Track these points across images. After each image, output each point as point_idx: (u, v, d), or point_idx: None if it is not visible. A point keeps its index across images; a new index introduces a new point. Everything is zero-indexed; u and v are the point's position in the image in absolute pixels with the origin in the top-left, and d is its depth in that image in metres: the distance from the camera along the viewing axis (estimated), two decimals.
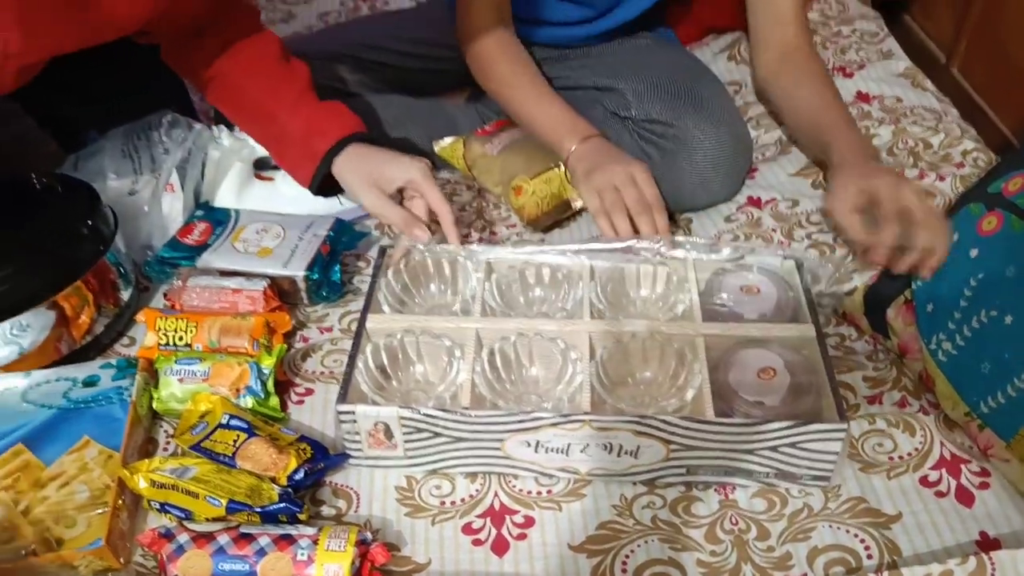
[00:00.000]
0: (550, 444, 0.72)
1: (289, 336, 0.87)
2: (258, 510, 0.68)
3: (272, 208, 0.98)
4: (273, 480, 0.70)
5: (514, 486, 0.74)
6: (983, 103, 1.15)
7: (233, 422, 0.74)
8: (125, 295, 0.90)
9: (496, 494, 0.73)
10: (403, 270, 0.85)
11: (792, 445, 0.69)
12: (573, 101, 1.01)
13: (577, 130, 0.95)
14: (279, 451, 0.71)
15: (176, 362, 0.80)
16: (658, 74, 1.01)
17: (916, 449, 0.75)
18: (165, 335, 0.83)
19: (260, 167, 1.04)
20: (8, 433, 0.74)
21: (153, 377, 0.81)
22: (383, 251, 0.87)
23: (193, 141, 0.95)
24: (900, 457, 0.74)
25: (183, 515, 0.69)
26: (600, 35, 1.11)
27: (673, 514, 0.71)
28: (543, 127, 0.98)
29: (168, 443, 0.79)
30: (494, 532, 0.71)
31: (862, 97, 1.13)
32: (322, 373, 0.85)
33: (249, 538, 0.65)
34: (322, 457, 0.73)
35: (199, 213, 0.96)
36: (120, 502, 0.70)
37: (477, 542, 0.70)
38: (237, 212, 0.96)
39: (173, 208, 0.96)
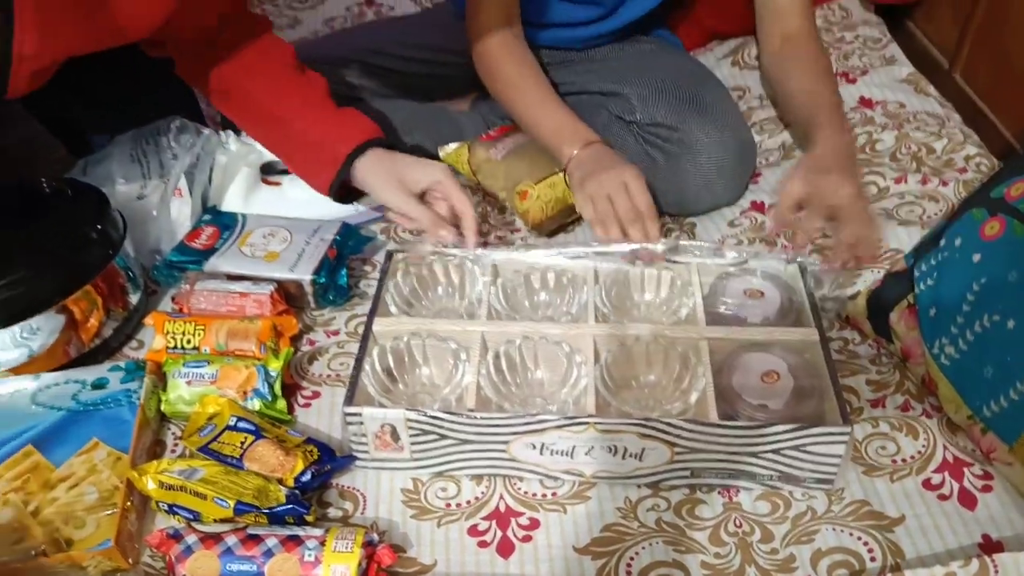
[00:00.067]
0: (555, 446, 0.72)
1: (296, 340, 0.88)
2: (265, 511, 0.68)
3: (279, 212, 0.99)
4: (280, 482, 0.71)
5: (519, 488, 0.74)
6: (986, 108, 1.15)
7: (241, 424, 0.75)
8: (133, 299, 0.90)
9: (501, 496, 0.74)
10: (411, 273, 0.86)
11: (796, 448, 0.70)
12: (578, 106, 1.01)
13: (578, 136, 0.96)
14: (286, 453, 0.72)
15: (184, 365, 0.80)
16: (663, 79, 1.02)
17: (919, 452, 0.75)
18: (173, 338, 0.83)
19: (267, 172, 1.05)
20: (18, 435, 0.75)
21: (161, 380, 0.82)
22: (389, 255, 0.87)
23: (201, 146, 0.96)
24: (903, 460, 0.75)
25: (191, 516, 0.70)
26: (605, 36, 1.12)
27: (677, 517, 0.72)
28: (545, 132, 0.98)
29: (176, 445, 0.80)
30: (499, 534, 0.71)
31: (865, 103, 1.14)
32: (328, 376, 0.86)
33: (257, 539, 0.66)
34: (329, 459, 0.74)
35: (207, 218, 0.97)
36: (128, 503, 0.71)
37: (483, 544, 0.70)
38: (244, 216, 0.97)
39: (181, 213, 0.96)
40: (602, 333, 0.79)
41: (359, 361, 0.76)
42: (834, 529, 0.70)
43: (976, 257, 0.73)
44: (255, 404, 0.79)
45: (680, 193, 0.97)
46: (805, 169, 0.89)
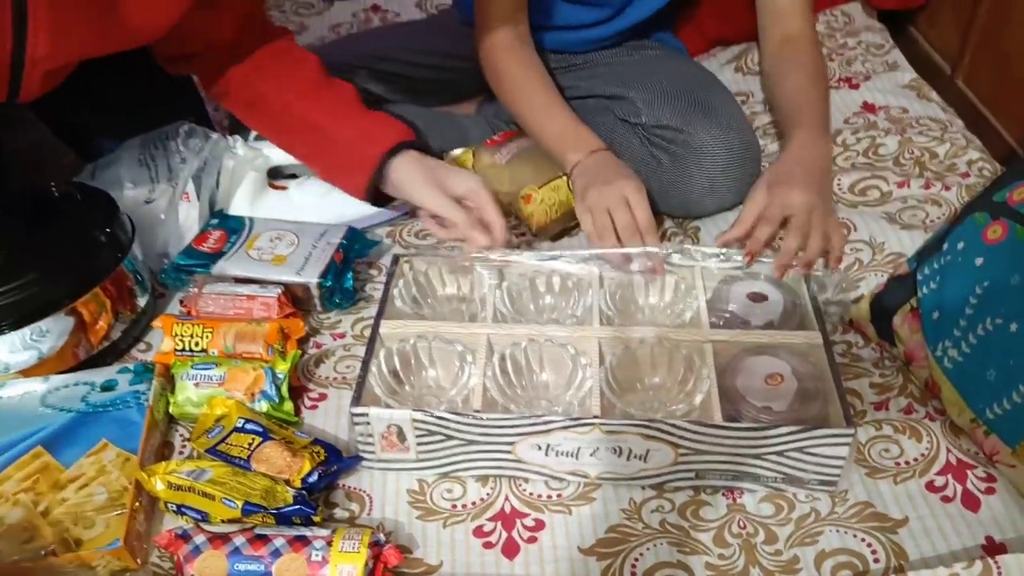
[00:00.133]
0: (560, 448, 0.73)
1: (303, 342, 0.89)
2: (273, 512, 0.69)
3: (285, 216, 1.00)
4: (287, 482, 0.71)
5: (524, 490, 0.75)
6: (988, 114, 1.16)
7: (248, 426, 0.76)
8: (142, 302, 0.91)
9: (507, 497, 0.74)
10: (419, 276, 0.86)
11: (799, 450, 0.70)
12: (583, 109, 1.02)
13: (582, 143, 0.96)
14: (293, 454, 0.72)
15: (192, 367, 0.81)
16: (667, 82, 1.02)
17: (922, 455, 0.75)
18: (181, 340, 0.84)
19: (274, 176, 1.06)
20: (28, 436, 0.76)
21: (169, 382, 0.82)
22: (396, 259, 0.88)
23: (209, 151, 0.97)
24: (906, 462, 0.75)
25: (199, 517, 0.70)
26: (611, 38, 1.12)
27: (682, 518, 0.72)
28: (550, 137, 0.98)
29: (184, 446, 0.80)
30: (505, 535, 0.72)
31: (868, 108, 1.14)
32: (335, 379, 0.86)
33: (264, 539, 0.66)
34: (335, 460, 0.74)
35: (214, 221, 0.97)
36: (137, 504, 0.71)
37: (488, 545, 0.71)
38: (251, 220, 0.98)
39: (189, 216, 0.97)
40: (607, 336, 0.79)
41: (366, 363, 0.77)
42: (838, 531, 0.70)
43: (979, 261, 0.73)
44: (262, 406, 0.79)
45: (684, 195, 0.98)
46: (766, 177, 0.91)
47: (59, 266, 0.83)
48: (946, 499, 0.72)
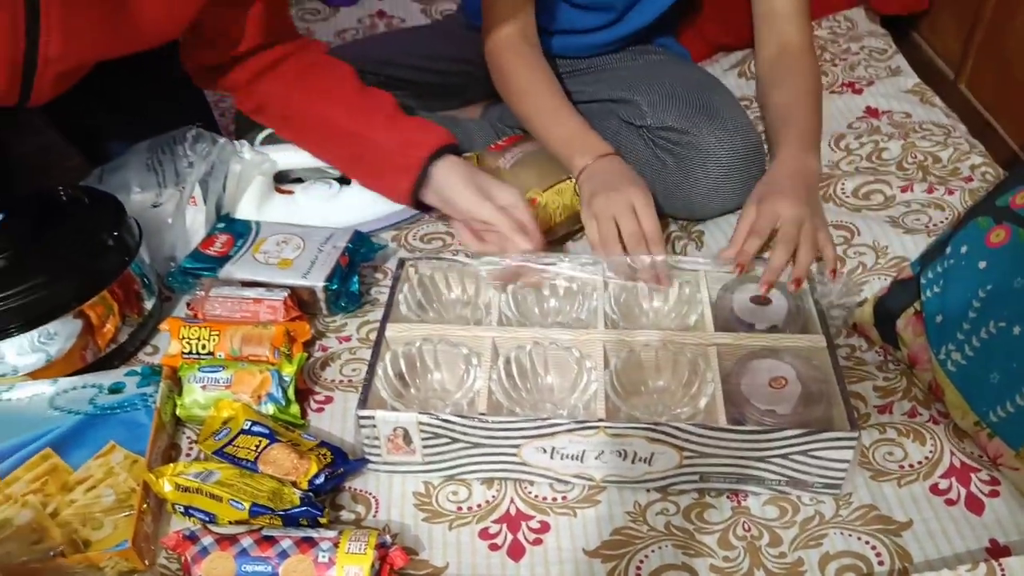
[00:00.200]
0: (565, 450, 0.73)
1: (308, 345, 0.89)
2: (280, 513, 0.69)
3: (291, 221, 1.00)
4: (294, 484, 0.72)
5: (530, 492, 0.75)
6: (991, 119, 1.16)
7: (255, 428, 0.76)
8: (148, 305, 0.92)
9: (512, 500, 0.75)
10: (425, 280, 0.87)
11: (804, 453, 0.70)
12: (588, 113, 1.02)
13: (590, 147, 0.95)
14: (300, 456, 0.73)
15: (199, 370, 0.82)
16: (672, 85, 1.02)
17: (926, 458, 0.76)
18: (188, 343, 0.85)
19: (280, 181, 1.07)
20: (36, 438, 0.76)
21: (177, 384, 0.83)
22: (402, 262, 0.88)
23: (217, 155, 0.98)
24: (910, 465, 0.75)
25: (207, 518, 0.71)
26: (615, 43, 1.13)
27: (686, 520, 0.72)
28: (556, 141, 0.98)
29: (191, 449, 0.81)
30: (510, 537, 0.72)
31: (871, 112, 1.15)
32: (341, 382, 0.87)
33: (271, 540, 0.67)
34: (342, 462, 0.75)
35: (220, 225, 0.98)
36: (145, 505, 0.72)
37: (494, 547, 0.71)
38: (258, 224, 0.98)
39: (196, 220, 0.98)
40: (611, 339, 0.80)
41: (372, 366, 0.77)
42: (842, 533, 0.71)
43: (982, 264, 0.74)
44: (269, 408, 0.80)
45: (689, 196, 0.98)
46: (754, 192, 0.91)
47: (67, 269, 0.83)
48: (950, 502, 0.72)
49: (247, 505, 0.69)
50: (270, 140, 1.04)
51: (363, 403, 0.74)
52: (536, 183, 1.01)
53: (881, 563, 0.68)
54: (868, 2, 1.35)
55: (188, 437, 0.82)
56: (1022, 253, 0.71)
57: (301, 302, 0.91)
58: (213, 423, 0.79)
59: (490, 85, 1.21)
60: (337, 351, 0.90)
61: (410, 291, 0.86)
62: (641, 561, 0.69)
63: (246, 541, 0.67)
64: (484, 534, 0.72)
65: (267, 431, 0.76)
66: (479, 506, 0.74)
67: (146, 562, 0.70)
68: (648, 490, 0.75)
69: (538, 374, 0.80)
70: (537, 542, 0.72)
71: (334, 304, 0.93)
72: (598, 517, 0.73)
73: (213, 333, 0.85)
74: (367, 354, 0.87)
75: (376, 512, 0.74)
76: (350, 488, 0.76)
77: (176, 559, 0.70)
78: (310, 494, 0.71)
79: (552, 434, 0.72)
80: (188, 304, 0.92)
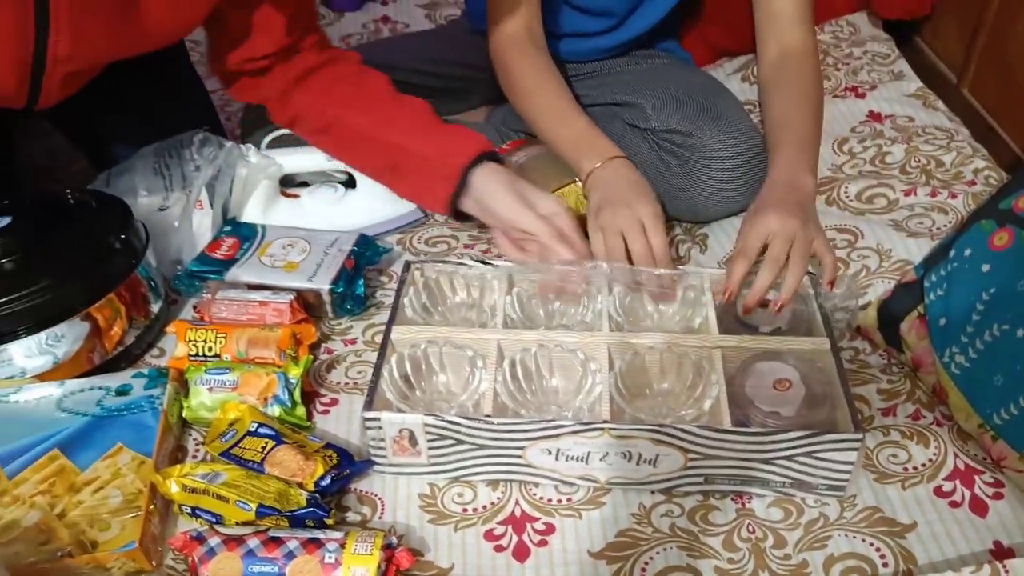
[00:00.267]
0: (570, 452, 0.73)
1: (314, 348, 0.90)
2: (286, 514, 0.70)
3: (297, 224, 1.01)
4: (300, 486, 0.72)
5: (535, 494, 0.75)
6: (994, 123, 1.16)
7: (261, 430, 0.76)
8: (155, 308, 0.92)
9: (517, 502, 0.75)
10: (430, 283, 0.87)
11: (808, 455, 0.71)
12: (592, 116, 1.02)
13: (597, 150, 0.94)
14: (306, 458, 0.73)
15: (206, 372, 0.82)
16: (676, 89, 1.02)
17: (930, 460, 0.76)
18: (195, 346, 0.85)
19: (286, 184, 1.07)
20: (44, 439, 0.77)
21: (183, 386, 0.83)
22: (407, 266, 0.89)
23: (223, 159, 0.98)
24: (914, 468, 0.75)
25: (213, 519, 0.71)
26: (618, 47, 1.13)
27: (691, 522, 0.73)
28: (563, 143, 0.97)
29: (197, 450, 0.81)
30: (515, 539, 0.72)
31: (874, 116, 1.15)
32: (346, 384, 0.87)
33: (278, 541, 0.67)
34: (348, 464, 0.75)
35: (227, 229, 0.98)
36: (152, 506, 0.72)
37: (499, 548, 0.72)
38: (264, 228, 0.99)
39: (202, 224, 0.98)
40: (616, 341, 0.80)
41: (378, 368, 0.78)
42: (846, 535, 0.71)
43: (985, 267, 0.74)
44: (275, 410, 0.80)
45: (693, 198, 0.98)
46: (749, 208, 0.89)
47: (74, 272, 0.84)
48: (954, 504, 0.73)
49: (254, 506, 0.69)
50: (276, 144, 1.04)
51: (369, 405, 0.74)
52: (541, 187, 1.01)
53: (885, 565, 0.69)
54: (871, 7, 1.35)
55: (194, 439, 0.83)
56: None
57: (307, 305, 0.92)
58: (220, 425, 0.79)
59: (494, 89, 1.21)
60: (343, 353, 0.91)
61: (415, 294, 0.86)
62: (646, 563, 0.70)
63: (253, 542, 0.67)
64: (489, 535, 0.72)
65: (273, 433, 0.76)
66: (484, 508, 0.75)
67: (153, 563, 0.70)
68: (653, 492, 0.75)
69: (543, 376, 0.80)
70: (542, 543, 0.72)
71: (340, 307, 0.93)
72: (603, 519, 0.73)
73: (220, 335, 0.85)
74: (372, 356, 0.87)
75: (382, 513, 0.75)
76: (356, 490, 0.76)
77: (183, 560, 0.70)
78: (316, 495, 0.71)
79: (557, 436, 0.72)
80: (195, 307, 0.92)
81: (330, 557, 0.66)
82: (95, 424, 0.78)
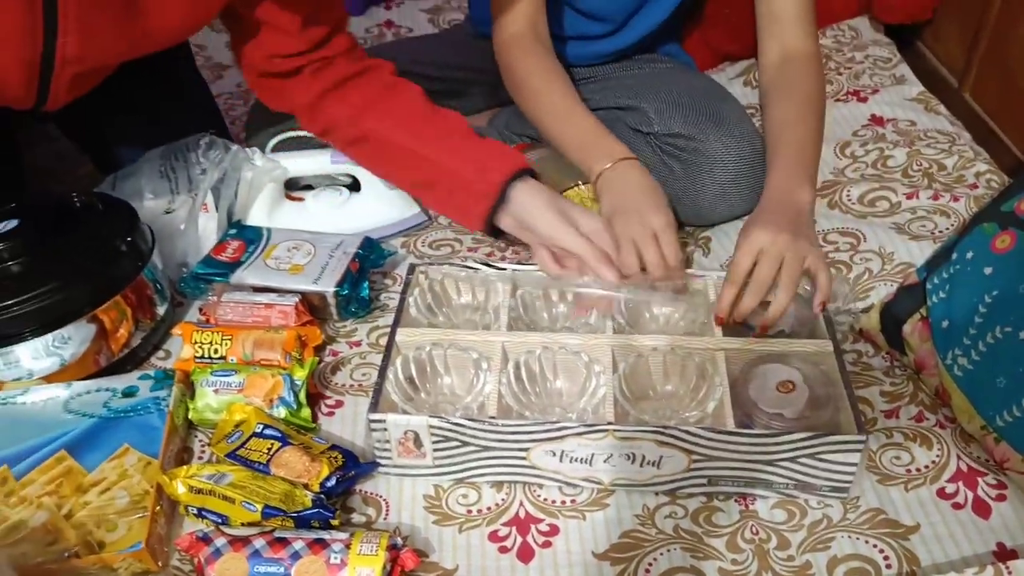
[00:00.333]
0: (574, 454, 0.73)
1: (319, 350, 0.90)
2: (292, 515, 0.70)
3: (302, 227, 1.01)
4: (306, 487, 0.73)
5: (539, 495, 0.76)
6: (995, 127, 1.17)
7: (267, 431, 0.77)
8: (161, 310, 0.93)
9: (521, 503, 0.75)
10: (435, 285, 0.88)
11: (811, 456, 0.71)
12: None
13: (606, 150, 0.93)
14: (312, 459, 0.73)
15: (212, 373, 0.82)
16: (679, 93, 1.03)
17: (933, 462, 0.76)
18: (201, 347, 0.86)
19: (291, 188, 1.08)
20: (51, 441, 0.77)
21: (189, 388, 0.84)
22: (412, 268, 0.89)
23: (229, 162, 0.99)
24: (917, 470, 0.76)
25: (219, 520, 0.71)
26: (619, 52, 1.14)
27: (695, 524, 0.73)
28: (571, 144, 0.96)
29: (203, 452, 0.82)
30: (519, 540, 0.73)
31: (876, 120, 1.16)
32: (351, 386, 0.87)
33: (284, 542, 0.67)
34: (353, 465, 0.75)
35: (232, 231, 0.99)
36: (158, 507, 0.72)
37: (503, 549, 0.72)
38: (269, 231, 0.99)
39: (207, 227, 0.99)
40: (620, 344, 0.80)
41: (383, 370, 0.78)
42: (850, 537, 0.71)
43: (987, 270, 0.74)
44: (281, 412, 0.81)
45: (696, 202, 0.99)
46: (742, 228, 0.86)
47: (81, 274, 0.84)
48: (957, 506, 0.73)
49: (259, 507, 0.70)
50: (280, 147, 1.05)
51: (374, 407, 0.75)
52: None
53: (889, 566, 0.69)
54: (872, 11, 1.36)
55: (200, 440, 0.83)
56: None
57: (312, 307, 0.92)
58: (225, 426, 0.80)
59: (497, 93, 1.22)
60: (347, 356, 0.91)
61: (420, 295, 0.87)
62: (650, 564, 0.70)
63: (259, 542, 0.67)
64: (494, 536, 0.73)
65: (279, 434, 0.76)
66: (489, 509, 0.75)
67: (159, 563, 0.70)
68: (656, 493, 0.75)
69: (547, 378, 0.80)
70: (546, 545, 0.72)
71: (344, 309, 0.93)
72: (607, 520, 0.74)
73: (225, 338, 0.86)
74: (377, 359, 0.88)
75: (387, 515, 0.75)
76: (361, 491, 0.77)
77: (189, 560, 0.71)
78: (322, 496, 0.72)
79: (561, 437, 0.72)
80: (200, 309, 0.93)
81: (336, 558, 0.66)
82: (102, 425, 0.79)
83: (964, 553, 0.69)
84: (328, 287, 0.92)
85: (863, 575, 0.68)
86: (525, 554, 0.71)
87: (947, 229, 0.97)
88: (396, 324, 0.83)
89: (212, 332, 0.86)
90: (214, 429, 0.81)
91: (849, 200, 1.04)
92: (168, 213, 0.99)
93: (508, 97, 1.22)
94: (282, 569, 0.66)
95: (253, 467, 0.74)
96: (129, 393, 0.82)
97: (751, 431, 0.71)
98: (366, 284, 0.95)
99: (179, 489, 0.72)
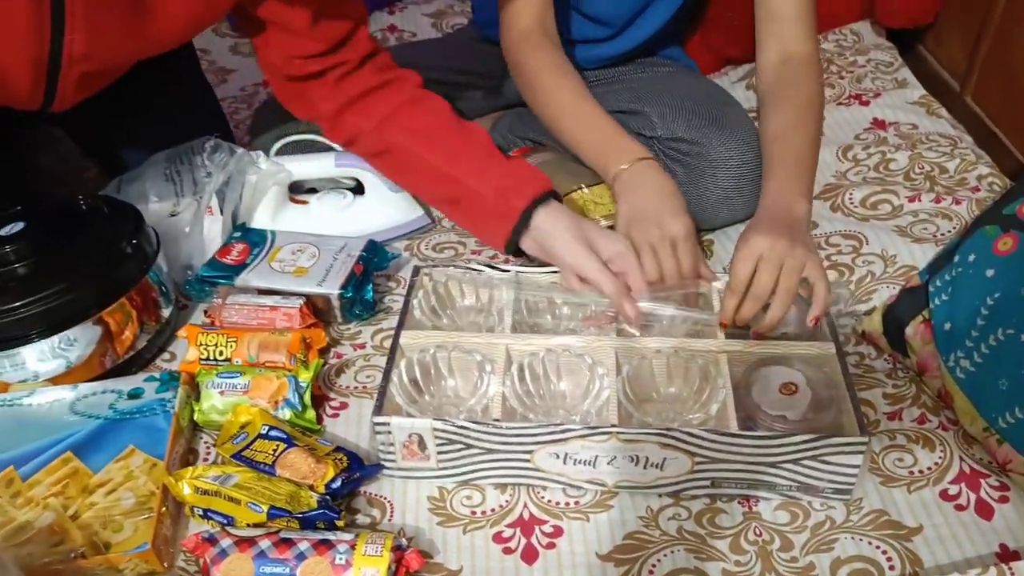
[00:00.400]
0: (578, 456, 0.74)
1: (323, 352, 0.90)
2: (297, 516, 0.70)
3: (306, 230, 1.02)
4: (311, 488, 0.73)
5: (543, 497, 0.76)
6: (997, 130, 1.17)
7: (273, 432, 0.77)
8: (166, 312, 0.93)
9: (525, 504, 0.76)
10: (439, 287, 0.88)
11: (814, 458, 0.71)
12: None
13: (624, 150, 0.92)
14: (317, 460, 0.74)
15: (217, 375, 0.83)
16: (682, 97, 1.03)
17: (936, 464, 0.76)
18: (206, 350, 0.86)
19: (295, 191, 1.08)
20: (57, 442, 0.77)
21: (195, 390, 0.84)
22: (416, 270, 0.90)
23: (234, 165, 0.99)
24: (920, 471, 0.76)
25: (225, 521, 0.72)
26: (623, 55, 1.14)
27: (698, 525, 0.73)
28: (586, 145, 0.95)
29: (208, 453, 0.82)
30: (524, 541, 0.73)
31: (878, 124, 1.16)
32: (355, 388, 0.88)
33: (289, 543, 0.68)
34: (358, 467, 0.75)
35: (237, 234, 0.99)
36: (164, 508, 0.73)
37: (507, 550, 0.72)
38: (273, 233, 0.99)
39: (212, 230, 0.99)
40: (623, 346, 0.81)
41: (387, 372, 0.78)
42: (853, 538, 0.71)
43: (990, 272, 0.74)
44: (286, 413, 0.81)
45: (699, 206, 0.99)
46: (739, 237, 0.84)
47: (87, 277, 0.85)
48: (960, 507, 0.73)
49: (265, 508, 0.70)
50: (285, 151, 1.05)
51: (378, 410, 0.75)
52: None
53: (892, 568, 0.69)
54: (874, 15, 1.36)
55: (205, 442, 0.83)
56: None
57: (316, 310, 0.92)
58: (231, 427, 0.80)
59: (500, 97, 1.23)
60: (352, 358, 0.91)
61: (424, 297, 0.87)
62: (654, 565, 0.70)
63: (264, 543, 0.68)
64: (498, 538, 0.73)
65: (284, 436, 0.77)
66: (493, 510, 0.75)
67: (165, 564, 0.71)
68: (660, 495, 0.76)
69: (551, 380, 0.81)
70: (550, 546, 0.72)
71: (349, 312, 0.94)
72: (611, 521, 0.74)
73: (230, 340, 0.86)
74: (381, 361, 0.88)
75: (391, 516, 0.75)
76: (365, 492, 0.77)
77: (195, 561, 0.71)
78: (327, 498, 0.72)
79: (565, 440, 0.73)
80: (205, 311, 0.93)
81: (341, 558, 0.66)
82: (107, 427, 0.79)
83: (967, 554, 0.70)
84: (332, 289, 0.92)
85: None
86: (529, 555, 0.72)
87: (949, 232, 0.98)
88: (400, 327, 0.83)
89: (217, 334, 0.86)
90: (219, 431, 0.82)
91: (851, 203, 1.04)
92: (173, 216, 0.99)
93: (511, 101, 1.23)
94: (287, 570, 0.66)
95: (258, 468, 0.75)
96: (135, 395, 0.82)
97: (754, 433, 0.72)
98: (370, 287, 0.95)
99: (185, 490, 0.73)
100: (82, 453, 0.77)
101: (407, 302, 0.86)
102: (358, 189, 1.07)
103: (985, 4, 1.18)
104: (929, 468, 0.76)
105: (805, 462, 0.72)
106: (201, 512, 0.73)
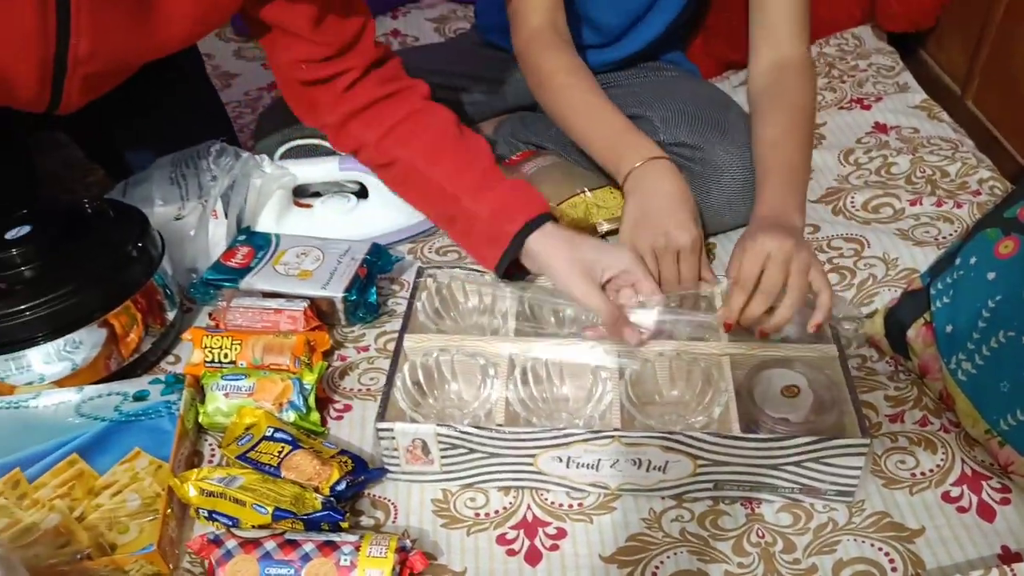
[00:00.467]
0: (581, 460, 0.74)
1: (328, 355, 0.91)
2: (302, 518, 0.71)
3: (310, 233, 1.02)
4: (316, 490, 0.73)
5: (546, 499, 0.76)
6: (998, 134, 1.17)
7: (278, 434, 0.77)
8: (170, 315, 0.93)
9: (529, 506, 0.76)
10: (442, 289, 0.89)
11: (816, 460, 0.71)
12: None
13: (637, 148, 0.92)
14: (322, 463, 0.74)
15: (222, 378, 0.83)
16: (684, 102, 1.03)
17: (937, 466, 0.77)
18: (211, 352, 0.86)
19: (299, 195, 1.09)
20: (63, 444, 0.78)
21: (200, 392, 0.85)
22: (420, 272, 0.90)
23: (239, 169, 1.00)
24: (922, 473, 0.76)
25: (230, 522, 0.72)
26: (623, 60, 1.15)
27: (701, 527, 0.73)
28: (599, 143, 0.95)
29: (213, 455, 0.82)
30: (527, 543, 0.73)
31: (880, 128, 1.16)
32: (359, 390, 0.88)
33: (294, 544, 0.68)
34: (362, 470, 0.76)
35: (241, 238, 1.00)
36: (169, 510, 0.73)
37: (511, 552, 0.72)
38: (278, 237, 1.00)
39: (217, 233, 1.00)
40: (626, 349, 0.81)
41: (390, 376, 0.79)
42: (855, 540, 0.72)
43: (991, 275, 0.75)
44: (290, 416, 0.81)
45: (702, 211, 0.99)
46: (738, 241, 0.85)
47: (92, 279, 0.85)
48: (962, 509, 0.73)
49: (270, 509, 0.71)
50: (289, 155, 1.06)
51: (382, 415, 0.75)
52: (551, 197, 1.02)
53: (894, 569, 0.69)
54: (875, 20, 1.37)
55: (210, 444, 0.84)
56: None
57: (320, 312, 0.93)
58: (236, 429, 0.80)
59: (503, 102, 1.23)
60: (356, 360, 0.92)
61: (428, 299, 0.88)
62: (657, 567, 0.70)
63: (269, 544, 0.68)
64: (501, 540, 0.73)
65: (289, 438, 0.77)
66: (496, 512, 0.76)
67: (171, 565, 0.71)
68: (663, 498, 0.76)
69: (554, 384, 0.81)
70: (554, 548, 0.73)
71: (352, 314, 0.94)
72: (614, 523, 0.74)
73: (235, 342, 0.86)
74: (385, 363, 0.89)
75: (395, 518, 0.76)
76: (370, 494, 0.77)
77: (200, 563, 0.71)
78: (331, 499, 0.72)
79: (568, 444, 0.73)
80: (210, 314, 0.94)
81: (345, 560, 0.67)
82: (113, 429, 0.79)
83: (969, 556, 0.70)
84: (336, 292, 0.92)
85: None
86: (533, 557, 0.72)
87: (950, 235, 0.98)
88: (404, 330, 0.84)
89: (222, 337, 0.87)
90: (224, 433, 0.82)
91: (853, 207, 1.04)
92: (178, 219, 1.00)
93: (513, 105, 1.24)
94: (292, 571, 0.67)
95: (263, 470, 0.75)
96: (140, 397, 0.83)
97: (756, 436, 0.72)
98: (374, 289, 0.95)
99: (190, 492, 0.73)
100: (88, 455, 0.77)
101: (411, 305, 0.87)
102: (362, 193, 1.08)
103: (986, 8, 1.19)
104: (931, 470, 0.76)
105: (807, 464, 0.72)
106: (206, 514, 0.73)
